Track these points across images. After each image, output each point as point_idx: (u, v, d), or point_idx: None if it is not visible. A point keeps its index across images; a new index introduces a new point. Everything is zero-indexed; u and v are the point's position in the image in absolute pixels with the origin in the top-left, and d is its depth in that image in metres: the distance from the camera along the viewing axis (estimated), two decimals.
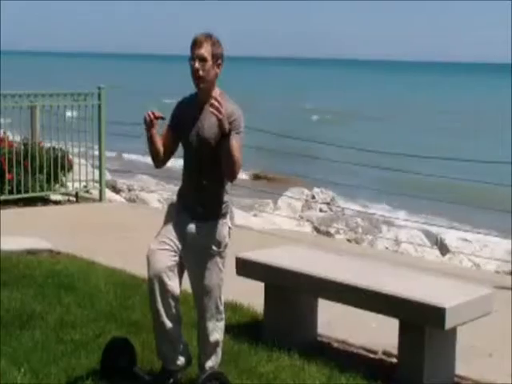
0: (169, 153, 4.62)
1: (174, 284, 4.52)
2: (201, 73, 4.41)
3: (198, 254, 4.54)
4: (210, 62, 4.41)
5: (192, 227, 4.54)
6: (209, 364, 4.72)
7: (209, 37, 4.45)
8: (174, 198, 4.77)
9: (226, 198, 4.57)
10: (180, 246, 4.54)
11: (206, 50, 4.40)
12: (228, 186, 4.58)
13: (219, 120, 4.23)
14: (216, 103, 4.19)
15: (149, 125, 4.42)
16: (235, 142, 4.34)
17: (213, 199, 4.54)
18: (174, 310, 4.55)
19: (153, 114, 4.40)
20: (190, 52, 4.45)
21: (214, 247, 4.54)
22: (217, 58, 4.44)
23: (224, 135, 4.30)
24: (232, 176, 4.42)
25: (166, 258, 4.51)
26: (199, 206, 4.53)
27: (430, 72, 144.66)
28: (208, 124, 4.46)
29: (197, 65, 4.40)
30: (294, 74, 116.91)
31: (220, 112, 4.19)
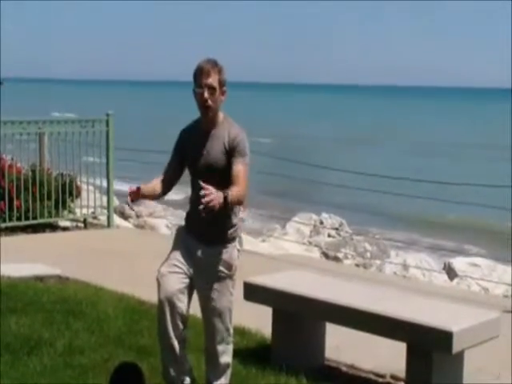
0: (172, 181, 4.63)
1: (183, 306, 4.54)
2: (210, 102, 4.40)
3: (209, 278, 4.57)
4: (218, 91, 4.42)
5: (203, 251, 4.56)
6: None
7: (215, 65, 4.43)
8: (183, 223, 4.79)
9: (235, 220, 4.59)
10: (190, 270, 4.57)
11: (214, 80, 4.39)
12: (237, 209, 4.59)
13: (214, 206, 4.07)
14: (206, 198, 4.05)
15: (133, 199, 4.44)
16: (241, 167, 4.38)
17: (223, 223, 4.56)
18: (181, 332, 4.57)
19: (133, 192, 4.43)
20: (195, 79, 4.42)
21: (225, 270, 4.56)
22: (223, 85, 4.45)
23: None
24: (239, 201, 4.37)
25: (177, 280, 4.53)
26: (210, 231, 4.55)
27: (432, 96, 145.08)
28: (214, 150, 4.47)
29: (206, 94, 4.38)
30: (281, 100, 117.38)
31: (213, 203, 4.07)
